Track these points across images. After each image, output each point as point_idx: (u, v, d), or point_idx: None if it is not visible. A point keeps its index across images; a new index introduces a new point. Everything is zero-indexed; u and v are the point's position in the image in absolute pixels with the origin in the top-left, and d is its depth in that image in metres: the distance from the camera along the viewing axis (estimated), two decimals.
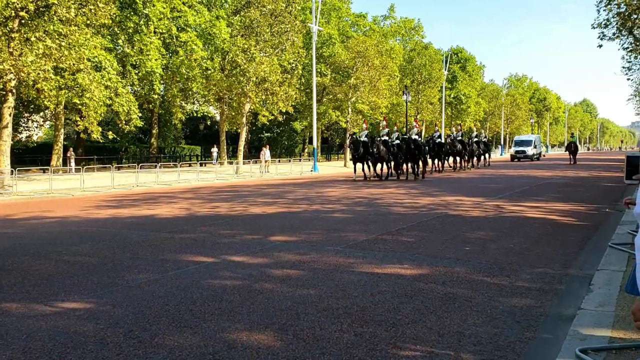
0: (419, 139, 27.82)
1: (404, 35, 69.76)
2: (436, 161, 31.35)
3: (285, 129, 57.93)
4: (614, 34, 27.50)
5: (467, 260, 7.26)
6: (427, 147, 28.05)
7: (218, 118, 48.25)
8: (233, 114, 38.98)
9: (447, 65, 64.41)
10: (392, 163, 26.18)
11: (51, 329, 4.67)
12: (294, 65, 39.93)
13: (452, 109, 72.44)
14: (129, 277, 6.54)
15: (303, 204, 14.99)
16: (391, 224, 10.62)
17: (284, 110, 38.74)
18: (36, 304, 5.41)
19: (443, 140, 33.14)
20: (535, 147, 52.62)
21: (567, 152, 44.87)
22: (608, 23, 27.32)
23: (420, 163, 26.37)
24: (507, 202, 14.52)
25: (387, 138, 25.90)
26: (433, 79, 61.00)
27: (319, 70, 44.68)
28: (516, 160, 50.90)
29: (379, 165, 26.24)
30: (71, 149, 35.63)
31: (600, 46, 28.53)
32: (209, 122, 57.11)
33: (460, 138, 34.28)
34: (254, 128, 55.24)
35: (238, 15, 36.84)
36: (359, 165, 25.31)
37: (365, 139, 24.65)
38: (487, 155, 39.88)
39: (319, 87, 44.15)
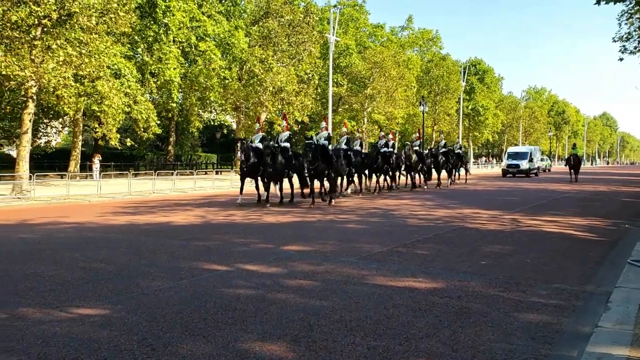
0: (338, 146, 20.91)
1: (422, 46, 69.78)
2: (376, 176, 23.71)
3: (301, 138, 58.11)
4: (635, 47, 27.23)
5: (482, 275, 7.19)
6: (358, 159, 21.69)
7: (235, 127, 48.55)
8: (249, 122, 39.22)
9: (465, 76, 64.18)
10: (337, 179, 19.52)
11: (66, 335, 4.70)
12: (310, 75, 40.13)
13: (470, 120, 72.16)
14: (144, 284, 6.57)
15: (317, 213, 14.99)
16: (406, 236, 10.56)
17: (299, 120, 38.91)
18: (52, 310, 5.45)
19: (393, 150, 25.09)
20: (531, 160, 45.57)
21: (567, 167, 37.78)
22: (629, 37, 27.06)
23: (344, 179, 21.14)
24: (525, 216, 14.37)
25: (342, 146, 20.46)
26: (451, 90, 60.88)
27: (335, 80, 44.82)
28: (509, 175, 44.23)
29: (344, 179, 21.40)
30: (97, 154, 35.90)
31: (621, 59, 28.26)
32: (225, 131, 57.48)
33: (438, 149, 28.74)
34: (269, 137, 55.46)
35: (256, 26, 37.17)
36: (253, 182, 18.89)
37: (259, 144, 18.02)
38: (459, 169, 32.33)
39: (335, 97, 44.28)
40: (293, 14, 36.90)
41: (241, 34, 37.44)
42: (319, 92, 44.24)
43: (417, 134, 29.22)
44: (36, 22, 20.30)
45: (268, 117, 37.33)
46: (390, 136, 27.59)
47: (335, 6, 47.80)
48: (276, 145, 17.68)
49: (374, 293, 6.17)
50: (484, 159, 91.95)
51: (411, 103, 54.30)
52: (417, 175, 26.30)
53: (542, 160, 60.90)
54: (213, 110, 47.18)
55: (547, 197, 21.71)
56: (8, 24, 19.77)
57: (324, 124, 21.07)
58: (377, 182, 23.53)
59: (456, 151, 31.59)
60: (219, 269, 7.44)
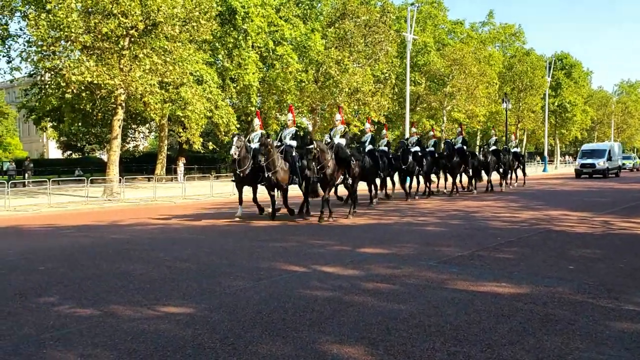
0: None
1: (504, 41, 67.46)
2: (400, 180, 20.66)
3: (377, 138, 57.76)
4: None
5: (570, 280, 6.82)
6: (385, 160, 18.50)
7: (310, 129, 49.09)
8: (325, 124, 39.51)
9: (551, 71, 61.30)
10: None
11: (154, 332, 4.92)
12: (387, 74, 39.83)
13: (556, 117, 68.87)
14: (225, 284, 6.77)
15: (394, 215, 14.83)
16: (488, 239, 10.22)
17: (376, 120, 38.72)
18: (140, 307, 5.73)
19: (429, 148, 22.16)
20: (610, 158, 39.86)
21: None
22: None
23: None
24: (617, 218, 13.51)
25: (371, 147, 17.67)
26: (535, 86, 58.40)
27: (413, 79, 44.23)
28: (584, 176, 38.92)
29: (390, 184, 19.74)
30: (182, 158, 37.45)
31: None
32: (301, 133, 58.22)
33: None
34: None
35: (332, 27, 37.37)
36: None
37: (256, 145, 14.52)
38: (515, 171, 27.80)
39: (412, 95, 43.68)
40: (369, 14, 36.79)
41: (317, 36, 37.80)
42: (395, 92, 43.80)
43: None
44: (124, 32, 21.50)
45: (344, 118, 37.38)
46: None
47: (412, 4, 47.17)
48: (279, 144, 14.72)
49: (454, 298, 6.01)
50: (568, 157, 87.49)
51: (493, 100, 52.57)
52: (454, 178, 22.42)
53: (629, 158, 56.85)
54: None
55: None
56: (99, 36, 21.06)
57: (338, 116, 16.53)
58: (410, 186, 20.61)
59: (512, 149, 27.26)
60: (296, 270, 7.53)
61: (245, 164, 13.89)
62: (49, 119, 38.89)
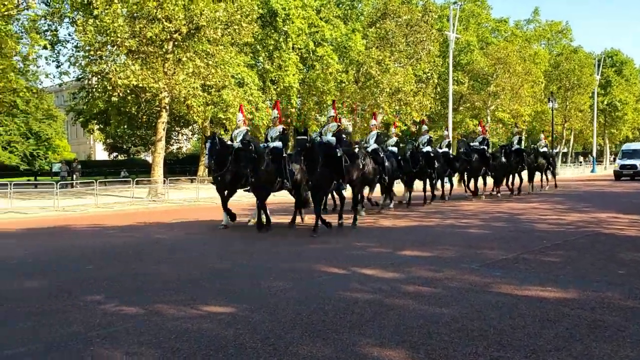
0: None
1: (550, 39, 65.64)
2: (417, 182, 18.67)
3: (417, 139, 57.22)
4: None
5: (620, 285, 6.57)
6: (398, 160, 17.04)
7: (350, 129, 49.01)
8: (365, 125, 39.37)
9: (600, 69, 59.32)
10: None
11: (196, 331, 5.00)
12: (429, 74, 39.41)
13: (606, 116, 66.59)
14: (265, 284, 6.82)
15: (436, 217, 14.63)
16: (533, 242, 9.96)
17: (417, 120, 38.35)
18: (183, 306, 5.83)
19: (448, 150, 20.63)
20: None
21: None
22: None
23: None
24: None
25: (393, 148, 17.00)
26: (583, 85, 56.59)
27: (455, 78, 43.54)
28: (624, 178, 34.39)
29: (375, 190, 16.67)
30: None
31: None
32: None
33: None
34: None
35: (373, 27, 37.22)
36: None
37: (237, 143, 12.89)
38: (546, 172, 25.04)
39: (455, 95, 43.02)
40: (411, 14, 36.48)
41: (358, 36, 37.71)
42: (438, 92, 43.22)
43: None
44: (168, 37, 21.99)
45: (384, 118, 37.14)
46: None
47: (454, 2, 46.37)
48: (266, 145, 12.79)
49: (497, 302, 5.88)
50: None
51: (539, 100, 51.21)
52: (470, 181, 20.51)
53: None
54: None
55: None
56: (144, 40, 21.60)
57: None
58: (424, 189, 18.54)
59: (541, 149, 24.57)
60: (335, 272, 7.52)
61: (224, 167, 12.37)
62: (95, 121, 40.15)
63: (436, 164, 18.38)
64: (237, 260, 8.62)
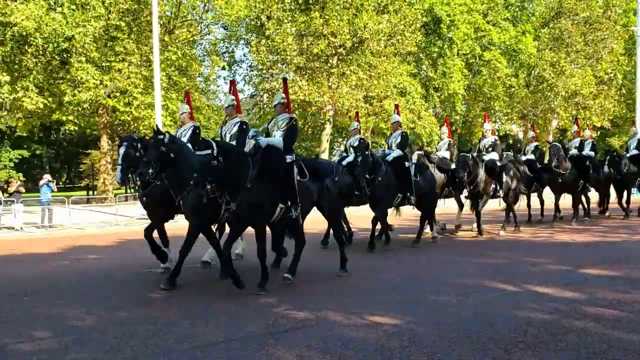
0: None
1: None
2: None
3: (601, 145, 52.14)
4: None
5: None
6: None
7: (521, 136, 46.38)
8: (538, 131, 36.96)
9: None
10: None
11: (362, 340, 5.07)
12: (611, 75, 35.88)
13: None
14: (431, 298, 6.70)
15: (622, 232, 13.13)
16: None
17: (598, 125, 35.12)
18: (349, 314, 5.94)
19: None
20: None
21: None
22: None
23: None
24: None
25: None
26: None
27: None
28: None
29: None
30: None
31: None
32: (511, 141, 55.38)
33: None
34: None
35: (546, 28, 35.00)
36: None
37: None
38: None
39: None
40: (590, 10, 33.58)
41: (529, 38, 35.69)
42: (622, 93, 39.11)
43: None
44: (333, 51, 22.87)
45: (560, 124, 34.55)
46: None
47: None
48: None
49: None
50: None
51: None
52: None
53: None
54: (497, 120, 45.91)
55: None
56: (310, 56, 22.71)
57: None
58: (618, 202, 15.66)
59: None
60: (505, 288, 7.12)
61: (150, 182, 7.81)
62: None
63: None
64: (401, 271, 8.60)
